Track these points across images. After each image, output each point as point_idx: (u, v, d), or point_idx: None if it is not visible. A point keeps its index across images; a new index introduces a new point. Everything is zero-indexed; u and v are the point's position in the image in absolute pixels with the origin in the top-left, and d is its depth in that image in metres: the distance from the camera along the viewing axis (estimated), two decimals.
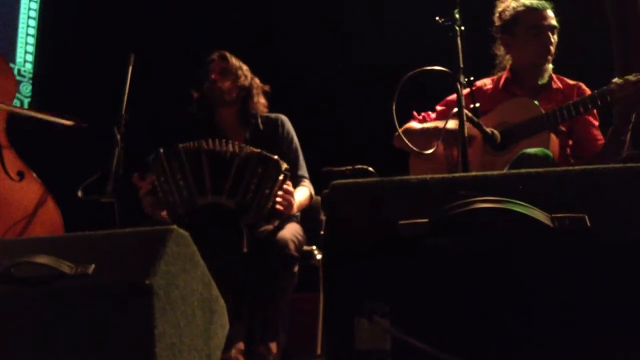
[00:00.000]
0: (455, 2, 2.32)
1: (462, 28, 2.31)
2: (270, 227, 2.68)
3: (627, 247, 1.19)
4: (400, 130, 2.49)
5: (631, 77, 2.39)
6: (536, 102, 2.64)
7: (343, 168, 3.20)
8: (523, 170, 1.35)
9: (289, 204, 2.67)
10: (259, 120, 3.06)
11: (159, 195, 2.60)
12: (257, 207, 2.58)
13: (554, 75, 2.80)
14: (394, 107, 2.25)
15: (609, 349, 1.17)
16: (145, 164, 2.70)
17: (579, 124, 2.71)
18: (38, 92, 4.44)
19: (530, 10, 2.74)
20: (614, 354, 1.17)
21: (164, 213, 2.64)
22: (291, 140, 3.04)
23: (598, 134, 2.73)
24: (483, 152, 2.68)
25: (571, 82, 2.81)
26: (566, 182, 1.29)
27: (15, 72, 4.38)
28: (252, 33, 4.29)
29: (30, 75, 4.50)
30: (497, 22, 2.84)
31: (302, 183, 2.94)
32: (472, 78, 2.36)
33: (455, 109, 2.27)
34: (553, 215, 1.21)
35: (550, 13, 2.73)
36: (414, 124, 2.88)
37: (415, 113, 2.95)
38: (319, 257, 2.95)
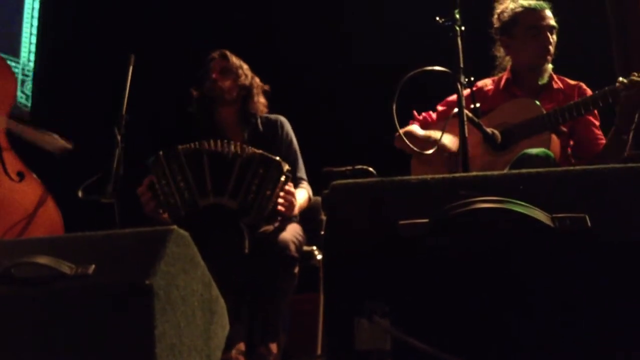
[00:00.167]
0: (456, 3, 2.32)
1: (463, 28, 2.31)
2: (270, 227, 2.68)
3: (628, 247, 1.19)
4: (401, 131, 2.49)
5: (635, 77, 2.39)
6: (537, 103, 2.64)
7: (343, 168, 3.19)
8: (523, 171, 1.35)
9: (290, 205, 2.67)
10: (259, 121, 3.06)
11: (160, 198, 2.60)
12: (259, 208, 2.57)
13: (554, 75, 2.80)
14: (394, 108, 2.25)
15: (609, 349, 1.17)
16: (145, 166, 2.70)
17: (580, 124, 2.71)
18: (38, 92, 4.43)
19: (528, 11, 2.74)
20: (614, 354, 1.17)
21: (165, 215, 2.64)
22: (290, 142, 3.04)
23: (599, 134, 2.73)
24: (483, 152, 2.68)
25: (572, 82, 2.81)
26: (567, 182, 1.29)
27: (20, 69, 4.38)
28: (252, 33, 4.29)
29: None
30: (496, 24, 2.84)
31: (301, 185, 2.94)
32: (472, 78, 2.36)
33: (456, 109, 2.27)
34: (554, 215, 1.21)
35: (548, 13, 2.73)
36: (416, 129, 2.87)
37: (415, 113, 2.95)
38: (319, 257, 2.95)
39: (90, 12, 4.51)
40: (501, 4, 2.85)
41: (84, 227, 1.70)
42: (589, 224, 1.20)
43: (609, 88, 2.46)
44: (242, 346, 2.59)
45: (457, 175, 1.38)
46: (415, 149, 2.50)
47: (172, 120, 3.93)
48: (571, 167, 1.35)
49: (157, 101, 4.09)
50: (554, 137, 2.59)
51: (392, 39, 4.09)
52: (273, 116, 3.10)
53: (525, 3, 2.76)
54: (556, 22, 2.74)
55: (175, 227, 1.52)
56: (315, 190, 2.99)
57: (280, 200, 2.61)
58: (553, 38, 2.73)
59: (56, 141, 3.27)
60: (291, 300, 2.78)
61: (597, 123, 2.75)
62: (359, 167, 3.21)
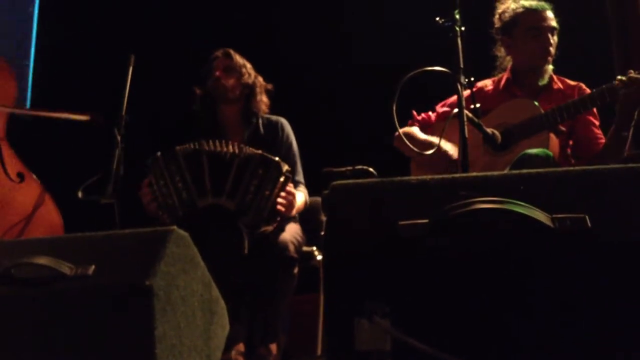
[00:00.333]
0: (456, 3, 2.32)
1: (463, 29, 2.31)
2: (270, 228, 2.68)
3: (628, 247, 1.19)
4: (401, 131, 2.48)
5: (633, 75, 2.39)
6: (536, 103, 2.64)
7: (343, 169, 3.19)
8: (523, 171, 1.35)
9: (289, 205, 2.67)
10: (260, 122, 3.06)
11: (159, 199, 2.61)
12: (257, 209, 2.58)
13: (554, 76, 2.80)
14: (394, 108, 2.25)
15: (609, 349, 1.17)
16: (145, 166, 2.70)
17: (579, 124, 2.71)
18: (38, 93, 4.43)
19: (529, 11, 2.73)
20: (614, 354, 1.17)
21: (165, 216, 2.64)
22: (290, 145, 3.04)
23: (599, 133, 2.73)
24: (484, 152, 2.68)
25: (572, 82, 2.81)
26: (567, 182, 1.29)
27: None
28: (252, 33, 4.29)
29: None
30: (497, 24, 2.84)
31: (298, 188, 2.94)
32: (472, 79, 2.36)
33: (456, 110, 2.27)
34: (554, 215, 1.21)
35: (549, 14, 2.73)
36: (417, 131, 2.87)
37: (415, 113, 2.95)
38: (319, 258, 2.96)
39: (89, 12, 4.50)
40: (502, 3, 2.84)
41: (83, 227, 1.71)
42: (589, 224, 1.20)
43: (607, 86, 2.46)
44: (241, 347, 2.59)
45: (457, 175, 1.38)
46: (414, 149, 2.49)
47: (172, 120, 3.92)
48: (571, 168, 1.35)
49: (157, 101, 4.08)
50: (552, 136, 2.59)
51: (392, 39, 4.08)
52: (274, 118, 3.11)
53: (527, 3, 2.76)
54: (557, 22, 2.74)
55: (175, 227, 1.52)
56: (315, 190, 2.99)
57: (280, 200, 2.61)
58: (554, 39, 2.73)
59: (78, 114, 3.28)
60: (291, 300, 2.78)
61: (597, 122, 2.75)
62: (359, 167, 3.20)
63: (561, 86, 2.79)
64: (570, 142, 2.76)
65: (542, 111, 2.58)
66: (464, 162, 2.19)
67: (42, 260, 1.46)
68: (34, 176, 3.21)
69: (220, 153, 2.64)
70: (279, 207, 2.61)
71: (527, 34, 2.73)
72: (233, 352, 2.54)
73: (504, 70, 2.89)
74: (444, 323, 1.22)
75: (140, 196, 2.68)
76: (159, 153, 2.64)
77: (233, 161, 2.62)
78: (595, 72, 2.97)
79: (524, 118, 2.61)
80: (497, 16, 2.85)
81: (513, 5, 2.79)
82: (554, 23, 2.73)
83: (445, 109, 2.89)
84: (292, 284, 2.68)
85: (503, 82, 2.84)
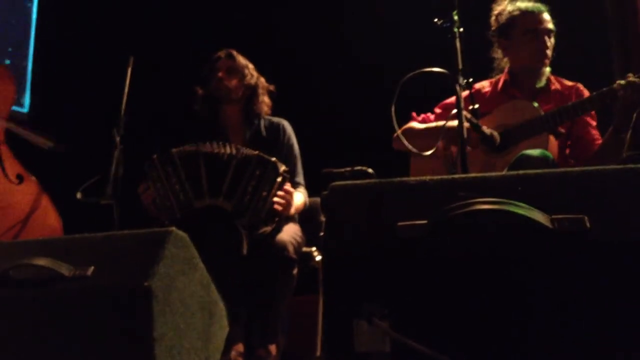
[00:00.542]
0: (454, 4, 2.32)
1: (461, 30, 2.31)
2: (268, 229, 2.68)
3: (627, 247, 1.19)
4: (399, 131, 2.48)
5: (632, 78, 2.40)
6: (535, 104, 2.64)
7: (342, 169, 3.19)
8: (522, 172, 1.35)
9: (287, 205, 2.67)
10: (262, 123, 3.07)
11: (156, 200, 2.61)
12: (254, 210, 2.58)
13: (552, 77, 2.80)
14: (393, 109, 2.25)
15: (609, 349, 1.17)
16: (143, 169, 2.71)
17: (577, 125, 2.72)
18: (37, 93, 4.43)
19: (525, 14, 2.73)
20: (614, 354, 1.17)
21: (163, 217, 2.64)
22: (291, 146, 3.05)
23: (596, 134, 2.73)
24: (482, 153, 2.68)
25: (569, 83, 2.81)
26: (566, 183, 1.29)
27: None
28: (251, 33, 4.29)
29: None
30: (494, 25, 2.84)
31: (298, 189, 2.95)
32: (471, 80, 2.36)
33: (454, 111, 2.27)
34: (553, 216, 1.21)
35: (546, 16, 2.73)
36: (416, 124, 2.88)
37: (414, 114, 2.95)
38: (318, 258, 2.95)
39: (88, 13, 4.50)
40: (499, 5, 2.84)
41: (82, 228, 1.70)
42: (588, 225, 1.20)
43: (607, 89, 2.47)
44: (240, 347, 2.59)
45: (456, 176, 1.38)
46: (413, 149, 2.49)
47: (172, 121, 3.92)
48: (570, 169, 1.35)
49: (157, 102, 4.08)
50: (551, 138, 2.59)
51: (391, 40, 4.09)
52: (276, 119, 3.11)
53: (523, 5, 2.75)
54: (554, 24, 2.74)
55: (174, 228, 1.52)
56: (315, 191, 2.99)
57: (277, 200, 2.61)
58: (550, 41, 2.73)
59: (49, 142, 3.29)
60: (290, 301, 2.78)
61: (594, 123, 2.76)
62: (358, 168, 3.20)
63: (559, 87, 2.80)
64: (568, 143, 2.76)
65: (542, 113, 2.59)
66: (463, 162, 2.19)
67: (41, 262, 1.46)
68: (33, 178, 3.21)
69: (218, 154, 2.64)
70: (276, 206, 2.61)
71: (524, 37, 2.72)
72: (232, 353, 2.54)
73: (502, 71, 2.89)
74: (443, 324, 1.22)
75: (140, 198, 2.69)
76: (154, 155, 2.64)
77: (230, 162, 2.62)
78: (594, 73, 2.97)
79: (523, 119, 2.61)
80: (493, 18, 2.85)
81: (509, 7, 2.78)
82: (550, 25, 2.73)
83: (445, 109, 2.89)
84: (291, 285, 2.68)
85: (501, 83, 2.84)
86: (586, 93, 2.74)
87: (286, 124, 3.10)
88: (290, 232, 2.72)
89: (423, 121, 2.93)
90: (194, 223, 2.50)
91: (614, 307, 1.17)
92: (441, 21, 2.33)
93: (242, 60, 3.06)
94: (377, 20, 4.23)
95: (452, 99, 2.34)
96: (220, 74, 3.01)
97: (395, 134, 2.59)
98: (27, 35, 4.41)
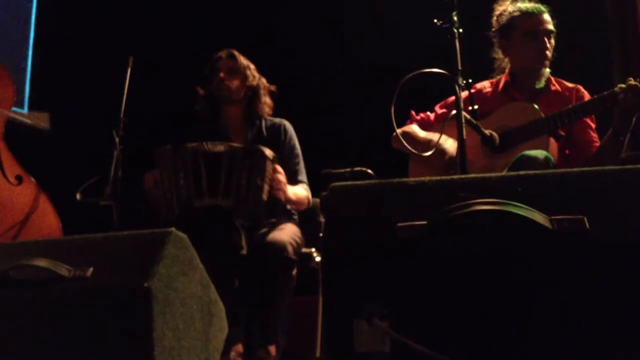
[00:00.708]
0: (453, 5, 2.32)
1: (460, 30, 2.31)
2: (266, 229, 2.69)
3: (626, 248, 1.19)
4: (399, 132, 2.48)
5: (633, 82, 2.40)
6: (536, 106, 2.63)
7: (342, 170, 3.20)
8: (521, 172, 1.35)
9: (284, 185, 2.68)
10: (263, 124, 3.07)
11: (157, 189, 2.63)
12: (254, 198, 2.59)
13: (552, 78, 2.80)
14: (392, 110, 2.25)
15: (609, 349, 1.17)
16: (144, 167, 2.71)
17: (576, 126, 2.71)
18: (36, 94, 4.42)
19: (526, 15, 2.73)
20: (614, 354, 1.17)
21: (162, 208, 2.66)
22: (293, 146, 3.05)
23: (595, 137, 2.73)
24: (482, 154, 2.68)
25: (570, 84, 2.81)
26: (565, 183, 1.29)
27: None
28: (251, 34, 4.29)
29: None
30: (495, 26, 2.84)
31: (301, 187, 2.95)
32: (470, 80, 2.36)
33: (454, 111, 2.27)
34: (552, 217, 1.21)
35: (546, 17, 2.73)
36: (417, 129, 2.87)
37: (413, 113, 2.95)
38: (318, 259, 2.96)
39: (87, 13, 4.50)
40: (500, 5, 2.84)
41: (82, 229, 1.70)
42: (587, 225, 1.20)
43: (607, 92, 2.47)
44: (240, 348, 2.59)
45: (455, 177, 1.38)
46: (413, 150, 2.49)
47: (171, 122, 3.92)
48: (569, 169, 1.35)
49: (157, 102, 4.08)
50: (552, 140, 2.59)
51: (391, 41, 4.09)
52: (277, 120, 3.11)
53: (523, 6, 2.75)
54: (554, 25, 2.74)
55: (173, 229, 1.52)
56: (315, 191, 2.99)
57: (274, 185, 2.64)
58: (551, 43, 2.72)
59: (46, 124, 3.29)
60: (290, 302, 2.78)
61: (594, 126, 2.76)
62: (358, 168, 3.21)
63: (559, 88, 2.79)
64: (567, 143, 2.76)
65: (542, 115, 2.59)
66: (462, 163, 2.19)
67: (40, 262, 1.45)
68: (32, 179, 3.21)
69: (215, 153, 2.65)
70: (274, 192, 2.63)
71: (524, 38, 2.72)
72: (232, 354, 2.54)
73: (502, 72, 2.89)
74: (443, 324, 1.22)
75: (144, 181, 2.70)
76: (168, 146, 2.64)
77: (222, 160, 2.63)
78: (594, 73, 2.97)
79: (524, 121, 2.61)
80: (494, 18, 2.85)
81: (510, 8, 2.78)
82: (550, 26, 2.73)
83: (445, 109, 2.89)
84: (290, 286, 2.68)
85: (502, 84, 2.84)
86: (587, 95, 2.74)
87: (287, 124, 3.10)
88: (289, 233, 2.72)
89: (422, 120, 2.92)
90: (193, 223, 2.50)
91: (614, 307, 1.17)
92: (440, 22, 2.32)
93: (243, 60, 3.06)
94: (377, 20, 4.23)
95: (453, 98, 2.34)
96: (221, 75, 3.01)
97: (395, 134, 2.59)
98: (26, 35, 4.40)
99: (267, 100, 3.08)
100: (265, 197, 2.60)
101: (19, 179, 3.15)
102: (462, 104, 2.25)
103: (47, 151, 4.00)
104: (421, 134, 2.83)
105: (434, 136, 2.74)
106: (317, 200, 3.01)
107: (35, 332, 1.44)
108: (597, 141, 2.71)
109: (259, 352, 2.58)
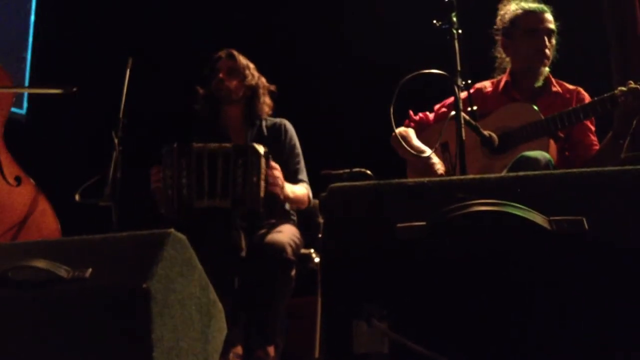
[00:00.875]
0: (453, 5, 2.32)
1: (460, 31, 2.32)
2: (265, 230, 2.69)
3: (625, 248, 1.19)
4: (397, 132, 2.48)
5: (633, 85, 2.40)
6: (536, 108, 2.64)
7: (341, 171, 3.20)
8: (521, 173, 1.35)
9: (280, 180, 2.69)
10: (263, 124, 3.07)
11: (160, 185, 2.63)
12: (251, 196, 2.59)
13: (553, 79, 2.80)
14: (391, 111, 2.25)
15: (608, 350, 1.17)
16: (145, 167, 2.71)
17: (576, 128, 2.72)
18: (35, 94, 4.42)
19: (527, 13, 2.74)
20: (614, 354, 1.17)
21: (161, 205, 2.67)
22: (293, 146, 3.05)
23: (594, 140, 2.74)
24: (481, 155, 2.68)
25: (570, 86, 2.81)
26: (564, 185, 1.29)
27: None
28: (251, 33, 4.29)
29: None
30: (499, 25, 2.85)
31: (302, 186, 2.95)
32: (469, 81, 2.36)
33: (453, 112, 2.28)
34: (551, 218, 1.21)
35: (548, 17, 2.73)
36: (413, 136, 2.85)
37: (411, 113, 2.95)
38: (317, 260, 2.95)
39: (87, 12, 4.50)
40: (505, 5, 2.85)
41: (81, 230, 1.70)
42: (586, 226, 1.20)
43: (608, 95, 2.47)
44: (239, 349, 2.59)
45: (454, 177, 1.38)
46: (412, 150, 2.49)
47: (171, 122, 3.92)
48: (569, 170, 1.35)
49: (157, 103, 4.08)
50: (552, 142, 2.59)
51: (391, 41, 4.09)
52: (278, 120, 3.11)
53: (526, 5, 2.76)
54: (556, 26, 2.74)
55: (172, 230, 1.52)
56: (314, 192, 2.99)
57: (270, 181, 2.63)
58: (551, 42, 2.73)
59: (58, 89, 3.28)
60: (289, 303, 2.78)
61: (593, 128, 2.76)
62: (357, 169, 3.21)
63: (560, 90, 2.79)
64: (566, 145, 2.76)
65: (542, 116, 2.59)
66: (461, 164, 2.19)
67: (40, 263, 1.45)
68: (31, 180, 3.21)
69: (214, 154, 2.66)
70: (271, 187, 2.63)
71: (524, 36, 2.73)
72: (231, 355, 2.53)
73: (503, 71, 2.90)
74: (442, 325, 1.22)
75: (150, 179, 2.71)
76: (175, 144, 2.65)
77: (217, 160, 2.63)
78: (593, 73, 2.97)
79: (524, 122, 2.61)
80: (499, 17, 2.86)
81: (513, 7, 2.80)
82: (551, 26, 2.73)
83: (444, 109, 2.89)
84: (289, 287, 2.68)
85: (502, 84, 2.84)
86: (587, 97, 2.74)
87: (287, 124, 3.10)
88: (288, 234, 2.72)
89: (421, 120, 2.92)
90: (193, 223, 2.51)
91: (613, 307, 1.18)
92: (440, 23, 2.33)
93: (243, 60, 3.06)
94: (377, 20, 4.23)
95: (452, 98, 2.34)
96: (221, 75, 3.01)
97: (393, 134, 2.59)
98: (25, 36, 4.40)
99: (266, 100, 3.08)
100: (262, 193, 2.61)
101: (18, 180, 3.15)
102: (461, 105, 2.25)
103: (47, 152, 4.00)
104: (415, 142, 2.82)
105: (426, 148, 2.73)
106: (316, 201, 3.01)
107: (34, 333, 1.44)
108: (596, 144, 2.71)
109: (258, 353, 2.58)
